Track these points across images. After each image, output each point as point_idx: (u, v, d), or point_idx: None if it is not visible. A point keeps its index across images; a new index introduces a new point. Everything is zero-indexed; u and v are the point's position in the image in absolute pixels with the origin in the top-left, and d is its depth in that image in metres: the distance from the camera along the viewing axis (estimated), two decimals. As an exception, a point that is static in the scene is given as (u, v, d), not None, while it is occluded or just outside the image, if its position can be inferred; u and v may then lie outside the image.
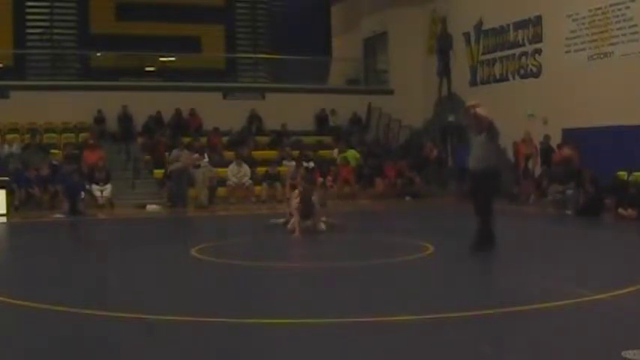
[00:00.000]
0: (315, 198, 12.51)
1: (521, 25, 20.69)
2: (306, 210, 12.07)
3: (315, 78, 25.95)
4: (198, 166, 19.43)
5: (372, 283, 8.21)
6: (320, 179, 20.65)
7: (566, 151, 17.77)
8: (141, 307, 6.80)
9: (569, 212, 15.87)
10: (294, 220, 12.06)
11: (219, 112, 23.07)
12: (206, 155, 20.24)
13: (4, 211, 16.88)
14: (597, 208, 15.37)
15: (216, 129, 22.66)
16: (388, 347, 5.40)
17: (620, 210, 14.84)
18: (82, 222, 16.30)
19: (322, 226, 12.35)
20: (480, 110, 9.93)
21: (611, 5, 17.55)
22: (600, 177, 15.71)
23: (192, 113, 23.29)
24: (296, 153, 21.97)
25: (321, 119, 24.83)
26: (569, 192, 16.27)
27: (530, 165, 19.01)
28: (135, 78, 25.05)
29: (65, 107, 21.77)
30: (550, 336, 5.63)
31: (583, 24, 18.34)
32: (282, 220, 12.93)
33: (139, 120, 22.76)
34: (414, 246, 10.56)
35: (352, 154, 22.05)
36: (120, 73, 25.05)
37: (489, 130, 9.92)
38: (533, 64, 20.30)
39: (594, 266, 9.31)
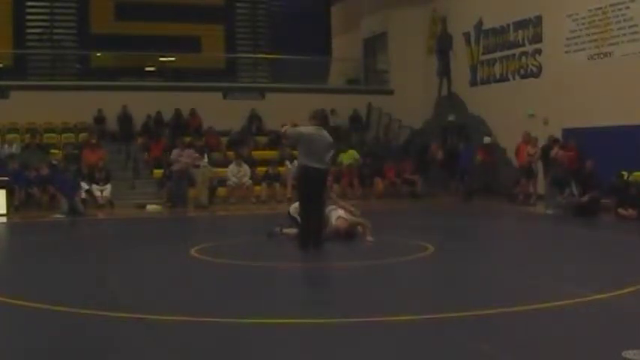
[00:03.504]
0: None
1: (521, 25, 20.68)
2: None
3: (315, 78, 25.95)
4: (198, 166, 19.43)
5: (372, 283, 8.20)
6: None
7: (557, 152, 17.73)
8: (140, 307, 6.80)
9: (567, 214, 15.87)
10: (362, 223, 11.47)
11: (219, 112, 23.04)
12: (206, 155, 20.23)
13: (4, 211, 16.86)
14: (597, 208, 15.37)
15: (210, 128, 22.63)
16: (388, 347, 5.40)
17: (620, 210, 14.84)
18: (81, 222, 16.29)
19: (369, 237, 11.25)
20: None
21: (611, 5, 17.53)
22: (600, 177, 15.71)
23: (193, 113, 23.28)
24: (296, 153, 21.91)
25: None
26: (561, 200, 16.25)
27: (532, 165, 18.93)
28: (135, 78, 25.07)
29: (65, 107, 21.76)
30: (550, 336, 5.63)
31: (583, 24, 18.33)
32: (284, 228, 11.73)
33: (139, 120, 22.77)
34: (414, 246, 10.56)
35: (351, 154, 22.01)
36: (120, 73, 25.08)
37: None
38: (533, 64, 20.29)
39: (594, 266, 9.31)
